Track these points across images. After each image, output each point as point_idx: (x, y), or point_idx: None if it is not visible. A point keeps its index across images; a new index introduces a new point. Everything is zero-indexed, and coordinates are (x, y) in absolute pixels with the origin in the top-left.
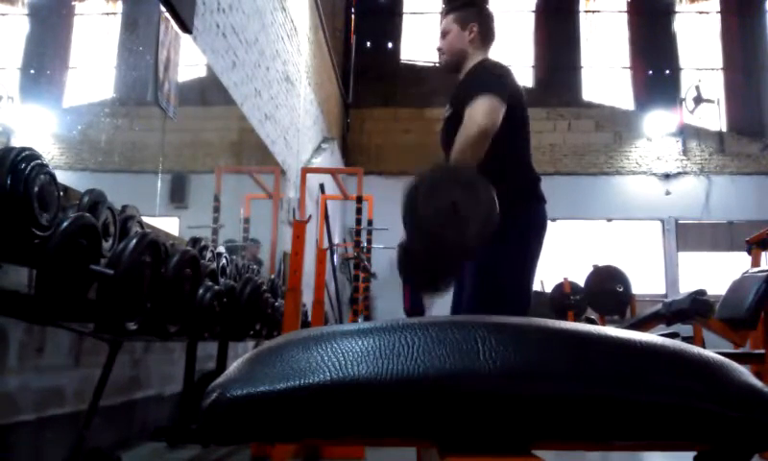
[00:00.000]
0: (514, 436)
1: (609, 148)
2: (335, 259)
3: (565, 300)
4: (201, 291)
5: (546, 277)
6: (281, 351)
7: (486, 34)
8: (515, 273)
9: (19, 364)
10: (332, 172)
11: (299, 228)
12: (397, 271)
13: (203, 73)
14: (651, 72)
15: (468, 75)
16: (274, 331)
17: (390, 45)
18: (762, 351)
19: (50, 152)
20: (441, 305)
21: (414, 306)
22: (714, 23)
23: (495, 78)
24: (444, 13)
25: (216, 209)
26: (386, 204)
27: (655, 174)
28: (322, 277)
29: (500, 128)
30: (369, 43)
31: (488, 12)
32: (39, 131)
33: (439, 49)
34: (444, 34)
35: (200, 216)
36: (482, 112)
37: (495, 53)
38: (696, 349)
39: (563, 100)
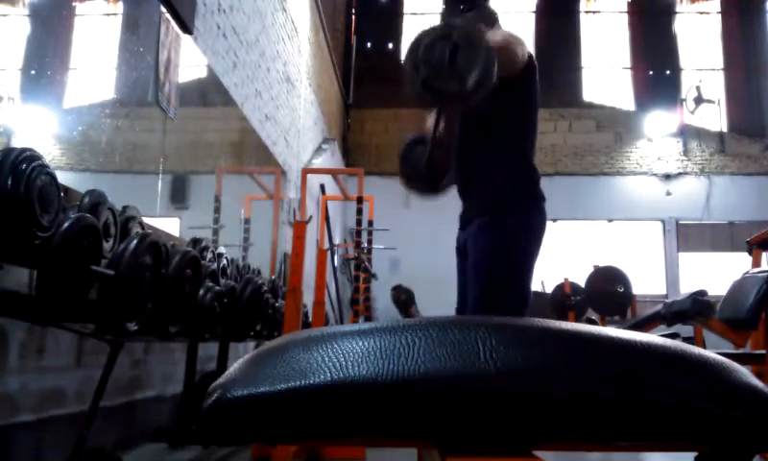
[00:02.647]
0: (514, 436)
1: (609, 148)
2: (336, 260)
3: (566, 300)
4: (201, 292)
5: (547, 277)
6: (282, 352)
7: None
8: (515, 271)
9: (20, 364)
10: (333, 172)
11: (299, 228)
12: (403, 311)
13: (203, 74)
14: (651, 72)
15: None
16: (274, 332)
17: (390, 45)
18: (763, 351)
19: (51, 152)
20: (444, 306)
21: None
22: (715, 23)
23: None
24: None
25: (217, 210)
26: (387, 204)
27: (655, 174)
28: (322, 277)
29: (503, 129)
30: (369, 44)
31: (492, 14)
32: (40, 131)
33: None
34: None
35: (200, 217)
36: (510, 38)
37: None
38: (697, 349)
39: (563, 100)
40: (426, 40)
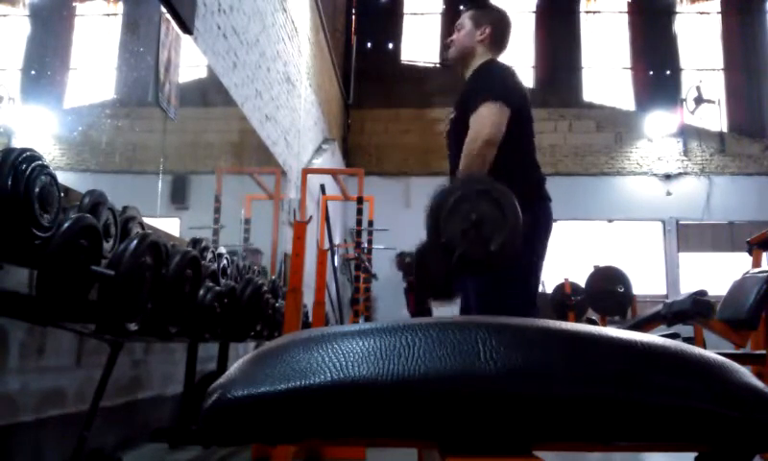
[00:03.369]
0: (515, 437)
1: (609, 148)
2: (336, 260)
3: (566, 300)
4: (201, 292)
5: (547, 277)
6: (282, 352)
7: (498, 38)
8: (521, 272)
9: (20, 365)
10: (333, 173)
11: (299, 228)
12: (408, 275)
13: (203, 74)
14: (652, 73)
15: (473, 76)
16: (275, 332)
17: (390, 46)
18: (763, 351)
19: (51, 153)
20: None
21: (418, 312)
22: (715, 23)
23: (500, 82)
24: (464, 9)
25: (217, 210)
26: (387, 204)
27: (656, 174)
28: (322, 277)
29: (506, 130)
30: (369, 44)
31: (505, 19)
32: (40, 131)
33: (450, 41)
34: (458, 28)
35: (200, 217)
36: (487, 122)
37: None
38: (697, 349)
39: (563, 100)
40: (447, 205)
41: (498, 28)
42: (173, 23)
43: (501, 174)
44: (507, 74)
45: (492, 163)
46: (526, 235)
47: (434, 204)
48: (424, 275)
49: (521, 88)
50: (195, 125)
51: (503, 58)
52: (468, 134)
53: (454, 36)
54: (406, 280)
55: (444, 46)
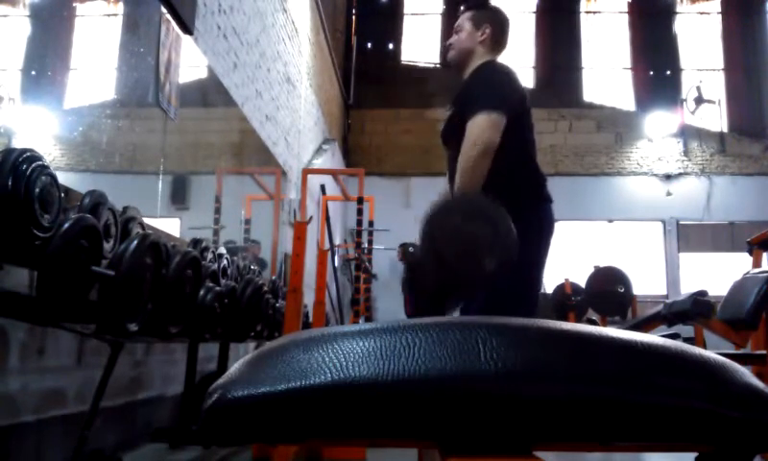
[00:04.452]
0: (515, 437)
1: (610, 149)
2: (336, 260)
3: (566, 301)
4: (202, 292)
5: (547, 278)
6: (283, 353)
7: (497, 39)
8: (523, 273)
9: (20, 365)
10: (333, 173)
11: (299, 229)
12: (411, 268)
13: (204, 74)
14: (652, 73)
15: (471, 76)
16: (275, 332)
17: (390, 46)
18: (764, 351)
19: (51, 153)
20: None
21: (415, 314)
22: (715, 24)
23: (498, 88)
24: (462, 10)
25: (217, 211)
26: (387, 204)
27: (656, 175)
28: (323, 278)
29: (506, 133)
30: (369, 44)
31: (504, 18)
32: (41, 132)
33: (449, 44)
34: (457, 30)
35: (201, 217)
36: (482, 131)
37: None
38: (697, 350)
39: (563, 101)
40: (442, 224)
41: (498, 28)
42: (173, 23)
43: (501, 179)
44: (505, 77)
45: (491, 169)
46: (528, 238)
47: (427, 221)
48: (418, 294)
49: (520, 90)
50: (195, 125)
51: (503, 57)
52: (464, 144)
53: (454, 39)
54: (406, 276)
55: (444, 49)
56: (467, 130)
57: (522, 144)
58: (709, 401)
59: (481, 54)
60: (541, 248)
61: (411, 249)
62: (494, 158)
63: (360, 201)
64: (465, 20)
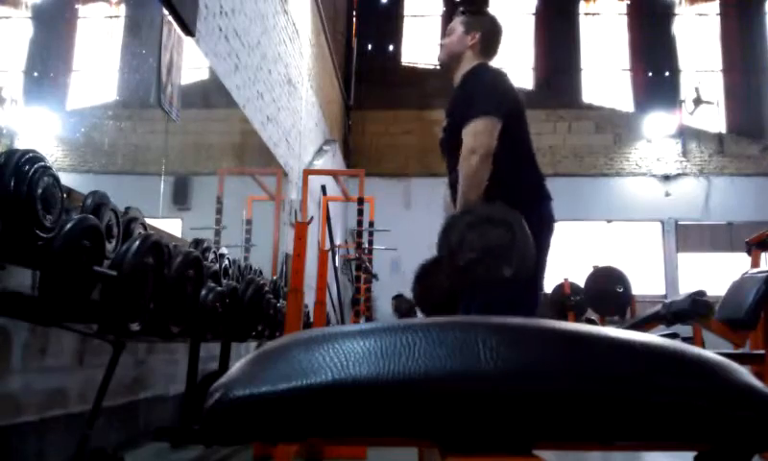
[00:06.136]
0: (515, 436)
1: (608, 149)
2: (337, 261)
3: (566, 300)
4: (203, 292)
5: (547, 278)
6: (284, 352)
7: (487, 45)
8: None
9: (23, 365)
10: (334, 173)
11: (300, 229)
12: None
13: (205, 76)
14: (650, 74)
15: (462, 82)
16: (276, 332)
17: (391, 48)
18: (762, 351)
19: (54, 154)
20: None
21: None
22: (714, 25)
23: (490, 92)
24: (457, 13)
25: (218, 211)
26: (387, 205)
27: (654, 175)
28: (323, 278)
29: (502, 135)
30: (370, 46)
31: (496, 26)
32: (43, 133)
33: (441, 45)
34: (449, 32)
35: (202, 218)
36: (478, 137)
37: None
38: (696, 349)
39: (562, 102)
40: (459, 234)
41: (488, 35)
42: (175, 25)
43: (501, 180)
44: (497, 80)
45: (491, 173)
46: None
47: (445, 232)
48: (426, 292)
49: (512, 91)
50: (197, 126)
51: (498, 61)
52: (462, 152)
53: (445, 41)
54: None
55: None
56: (463, 138)
57: (520, 144)
58: (708, 401)
59: (470, 58)
60: (542, 246)
61: (405, 305)
62: (493, 161)
63: (360, 201)
64: (457, 23)
